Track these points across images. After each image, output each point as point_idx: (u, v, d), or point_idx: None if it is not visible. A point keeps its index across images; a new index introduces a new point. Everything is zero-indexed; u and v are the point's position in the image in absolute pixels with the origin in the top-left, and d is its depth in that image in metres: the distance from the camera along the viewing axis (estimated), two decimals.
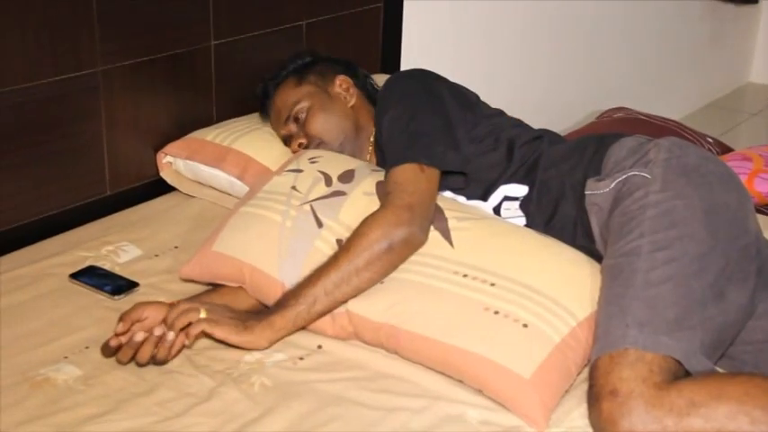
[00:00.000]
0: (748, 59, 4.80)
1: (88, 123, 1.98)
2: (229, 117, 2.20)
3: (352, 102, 1.99)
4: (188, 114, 2.17)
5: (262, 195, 1.77)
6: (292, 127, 1.97)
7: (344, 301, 1.56)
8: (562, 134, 2.00)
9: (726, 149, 3.19)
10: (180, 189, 2.11)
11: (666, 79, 4.15)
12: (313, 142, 1.93)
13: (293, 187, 1.75)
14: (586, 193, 1.68)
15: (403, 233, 1.57)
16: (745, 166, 2.71)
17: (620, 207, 1.59)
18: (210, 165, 2.06)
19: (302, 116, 1.95)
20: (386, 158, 1.74)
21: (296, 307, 1.53)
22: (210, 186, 2.10)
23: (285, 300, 1.55)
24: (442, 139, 1.73)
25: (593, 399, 1.36)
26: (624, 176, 1.62)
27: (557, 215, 1.73)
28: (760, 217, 2.13)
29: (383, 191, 1.67)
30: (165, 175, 2.12)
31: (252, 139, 2.07)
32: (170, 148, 2.11)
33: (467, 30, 2.99)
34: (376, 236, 1.55)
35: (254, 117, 2.19)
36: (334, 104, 1.96)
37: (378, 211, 1.61)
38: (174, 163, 2.13)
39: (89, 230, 1.94)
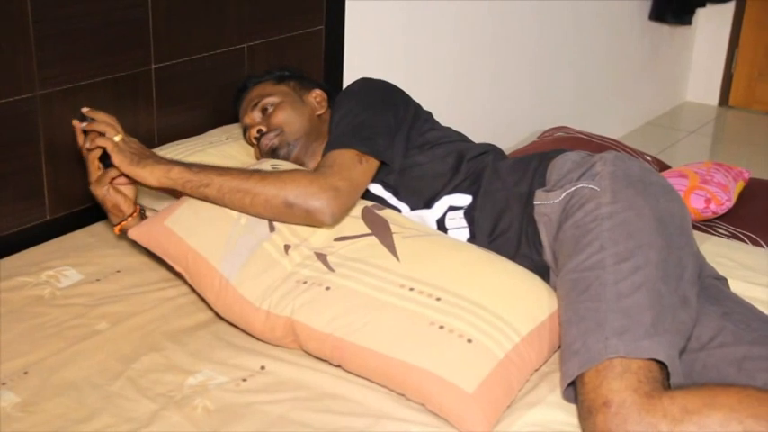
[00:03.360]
0: (684, 79, 4.92)
1: (27, 148, 1.95)
2: (171, 140, 2.19)
3: (321, 112, 2.07)
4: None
5: None
6: (256, 116, 2.04)
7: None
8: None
9: (664, 167, 3.26)
10: None
11: (606, 99, 4.22)
12: (272, 132, 1.99)
13: None
14: (535, 203, 1.72)
15: (313, 205, 1.65)
16: (682, 183, 2.77)
17: (572, 219, 1.62)
18: None
19: (270, 109, 2.02)
20: (328, 142, 1.81)
21: (193, 176, 1.70)
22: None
23: (192, 166, 1.73)
24: (385, 135, 1.81)
25: (586, 413, 1.38)
26: (573, 188, 1.67)
27: (501, 225, 1.77)
28: (696, 233, 2.19)
29: (320, 164, 1.74)
30: None
31: (195, 162, 2.06)
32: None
33: (408, 51, 3.02)
34: (291, 189, 1.65)
35: (197, 139, 2.19)
36: (303, 107, 2.04)
37: (309, 174, 1.69)
38: None
39: (29, 256, 1.91)
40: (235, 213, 1.73)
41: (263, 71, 2.20)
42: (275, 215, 1.68)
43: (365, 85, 1.95)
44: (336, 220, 1.69)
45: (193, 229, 1.72)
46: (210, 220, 1.73)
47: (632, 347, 1.40)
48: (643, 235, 1.55)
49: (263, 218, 1.70)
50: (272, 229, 1.71)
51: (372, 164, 1.78)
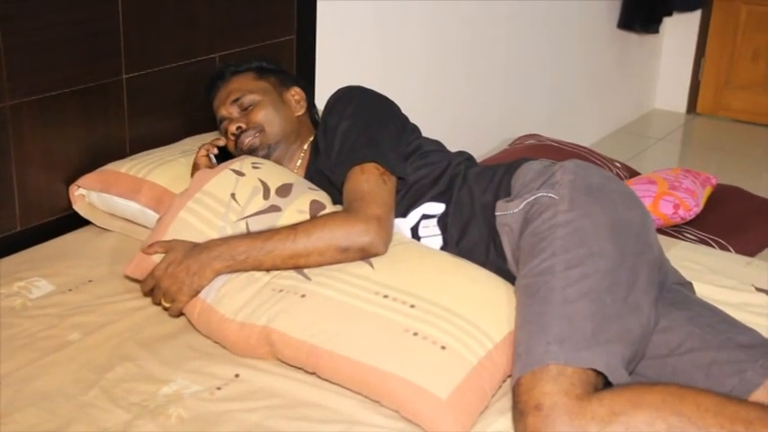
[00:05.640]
0: (653, 87, 4.97)
1: None
2: (143, 150, 2.19)
3: (300, 113, 2.07)
4: (101, 147, 2.15)
5: (201, 197, 1.81)
6: (235, 111, 2.04)
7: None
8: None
9: (633, 173, 3.30)
10: (94, 222, 2.09)
11: (576, 107, 4.26)
12: (253, 129, 1.99)
13: (233, 195, 1.79)
14: (497, 214, 1.74)
15: (364, 241, 1.64)
16: (651, 189, 2.81)
17: (531, 227, 1.64)
18: (125, 197, 2.05)
19: (250, 106, 2.02)
20: (339, 158, 1.81)
21: (242, 264, 1.66)
22: (125, 219, 2.08)
23: (234, 253, 1.65)
24: (394, 148, 1.83)
25: (519, 415, 1.40)
26: (533, 198, 1.68)
27: (468, 234, 1.78)
28: (664, 238, 2.22)
29: (348, 199, 1.72)
30: (79, 207, 2.10)
31: (167, 171, 2.07)
32: (83, 180, 2.09)
33: (381, 59, 3.04)
34: (338, 234, 1.64)
35: (169, 149, 2.19)
36: (282, 107, 2.05)
37: (348, 213, 1.68)
38: (87, 196, 2.10)
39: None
40: (215, 234, 1.73)
41: (242, 60, 2.17)
42: (333, 262, 1.66)
43: (358, 94, 1.94)
44: (387, 246, 1.68)
45: None
46: None
47: (572, 357, 1.42)
48: (595, 243, 1.57)
49: (323, 266, 1.67)
50: None
51: (393, 180, 1.78)
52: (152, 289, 1.71)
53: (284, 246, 1.65)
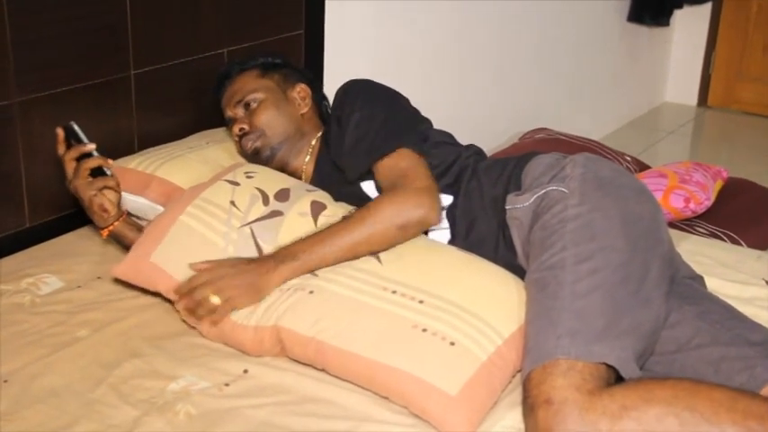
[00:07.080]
0: (663, 80, 4.95)
1: (5, 155, 1.95)
2: (152, 145, 2.19)
3: (304, 110, 2.06)
4: (109, 143, 2.14)
5: (201, 204, 1.80)
6: (240, 111, 2.04)
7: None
8: None
9: (643, 167, 3.28)
10: None
11: (586, 100, 4.25)
12: (254, 133, 2.00)
13: (232, 202, 1.78)
14: (507, 207, 1.74)
15: (420, 214, 1.67)
16: (661, 182, 2.79)
17: (541, 221, 1.64)
18: (134, 192, 2.04)
19: (253, 105, 2.02)
20: (357, 152, 1.82)
21: (304, 264, 1.63)
22: (134, 215, 2.08)
23: (297, 254, 1.63)
24: (413, 130, 1.86)
25: (529, 409, 1.39)
26: (543, 191, 1.68)
27: (477, 228, 1.78)
28: (675, 231, 2.21)
29: (390, 179, 1.74)
30: None
31: (175, 166, 2.07)
32: None
33: (388, 55, 3.03)
34: (395, 214, 1.65)
35: (178, 144, 2.19)
36: (286, 106, 2.04)
37: (396, 191, 1.69)
38: None
39: (9, 263, 1.90)
40: (222, 242, 1.72)
41: (248, 57, 2.17)
42: (395, 243, 1.67)
43: (366, 86, 1.94)
44: (440, 213, 1.72)
45: (181, 264, 1.69)
46: (198, 253, 1.71)
47: (583, 351, 1.41)
48: (606, 237, 1.56)
49: (384, 250, 1.67)
50: (259, 251, 1.71)
51: (423, 158, 1.80)
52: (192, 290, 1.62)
53: (341, 239, 1.64)
